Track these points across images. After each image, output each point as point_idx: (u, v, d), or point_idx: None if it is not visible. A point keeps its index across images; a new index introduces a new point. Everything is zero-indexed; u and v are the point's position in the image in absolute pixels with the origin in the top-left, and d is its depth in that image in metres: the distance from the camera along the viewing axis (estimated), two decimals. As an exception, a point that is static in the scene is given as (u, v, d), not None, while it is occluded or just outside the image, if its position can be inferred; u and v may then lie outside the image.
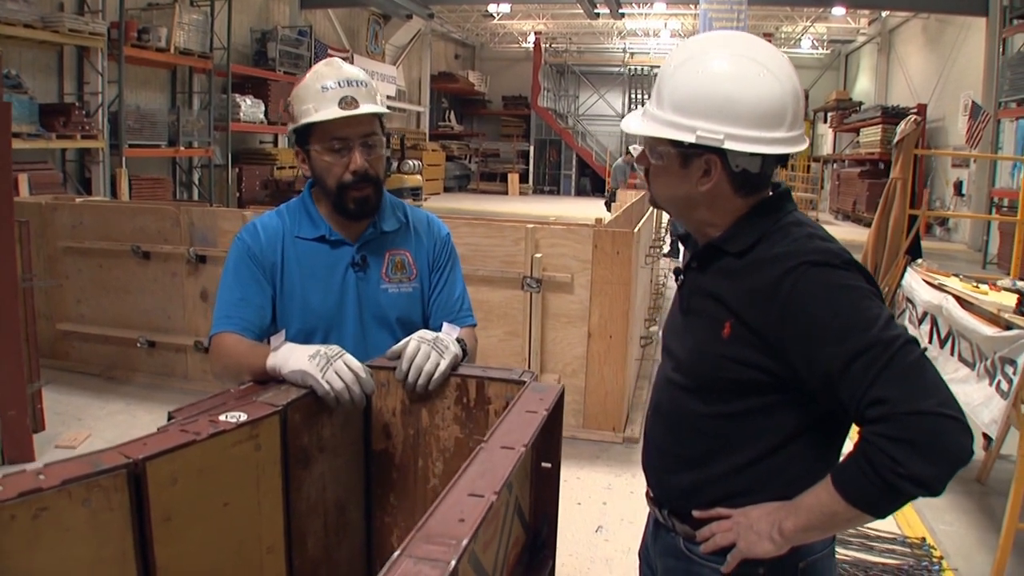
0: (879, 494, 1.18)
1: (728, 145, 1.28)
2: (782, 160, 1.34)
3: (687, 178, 1.35)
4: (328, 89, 1.74)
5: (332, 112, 1.73)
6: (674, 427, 1.45)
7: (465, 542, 0.86)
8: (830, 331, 1.20)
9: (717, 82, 1.28)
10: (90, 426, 4.66)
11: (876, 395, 1.16)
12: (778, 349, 1.26)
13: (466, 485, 1.01)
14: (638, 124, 1.38)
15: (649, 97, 1.41)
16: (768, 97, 1.28)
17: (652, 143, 1.38)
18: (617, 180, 13.59)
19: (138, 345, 5.48)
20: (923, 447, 1.13)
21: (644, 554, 1.64)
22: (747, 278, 1.31)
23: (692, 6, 18.80)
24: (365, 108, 1.76)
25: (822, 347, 1.20)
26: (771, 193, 1.40)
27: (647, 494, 1.56)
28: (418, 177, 17.44)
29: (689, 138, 1.29)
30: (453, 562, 0.80)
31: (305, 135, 1.79)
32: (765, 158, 1.31)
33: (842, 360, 1.18)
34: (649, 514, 1.60)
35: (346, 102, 1.74)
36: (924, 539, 3.54)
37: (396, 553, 0.82)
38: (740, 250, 1.34)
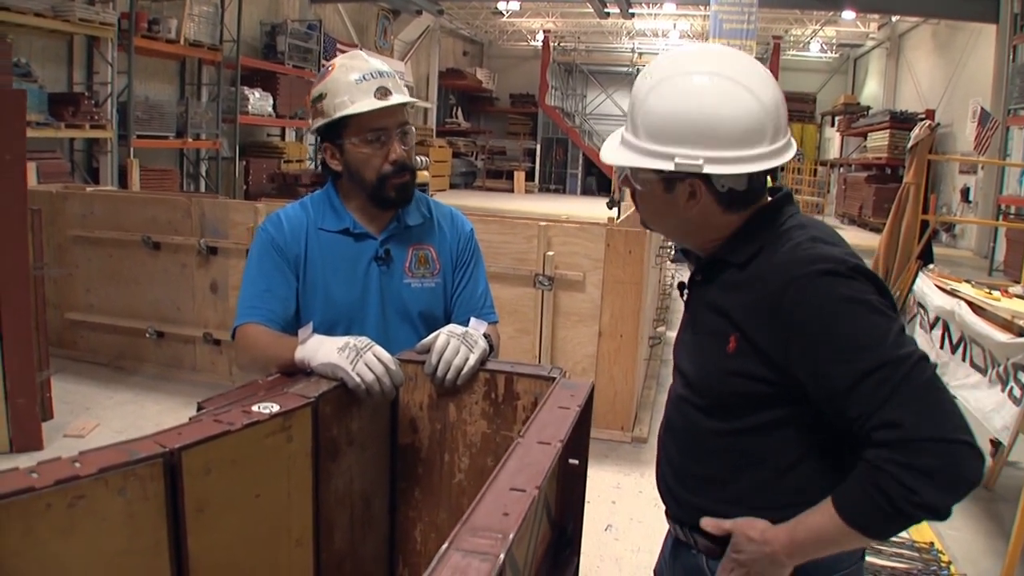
0: (886, 520, 1.13)
1: (708, 169, 1.22)
2: (771, 171, 1.28)
3: (673, 203, 1.30)
4: (361, 81, 1.72)
5: (370, 103, 1.71)
6: (688, 445, 1.41)
7: (512, 536, 0.85)
8: (836, 348, 1.15)
9: (690, 106, 1.22)
10: (98, 415, 4.67)
11: (888, 417, 1.10)
12: (782, 364, 1.21)
13: (507, 480, 1.01)
14: (615, 154, 1.33)
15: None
16: (745, 116, 1.22)
17: (634, 168, 1.33)
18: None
19: (147, 336, 5.48)
20: (941, 476, 1.08)
21: (660, 573, 1.60)
22: (750, 290, 1.26)
23: (702, 7, 18.72)
24: (399, 98, 1.76)
25: (828, 364, 1.15)
26: (770, 199, 1.35)
27: (666, 512, 1.52)
28: (425, 173, 17.44)
29: (668, 166, 1.24)
30: (502, 556, 0.80)
31: (338, 129, 1.76)
32: (751, 174, 1.26)
33: (851, 378, 1.13)
34: (668, 532, 1.56)
35: (381, 92, 1.73)
36: (932, 544, 3.54)
37: (444, 546, 0.82)
38: (741, 262, 1.29)
